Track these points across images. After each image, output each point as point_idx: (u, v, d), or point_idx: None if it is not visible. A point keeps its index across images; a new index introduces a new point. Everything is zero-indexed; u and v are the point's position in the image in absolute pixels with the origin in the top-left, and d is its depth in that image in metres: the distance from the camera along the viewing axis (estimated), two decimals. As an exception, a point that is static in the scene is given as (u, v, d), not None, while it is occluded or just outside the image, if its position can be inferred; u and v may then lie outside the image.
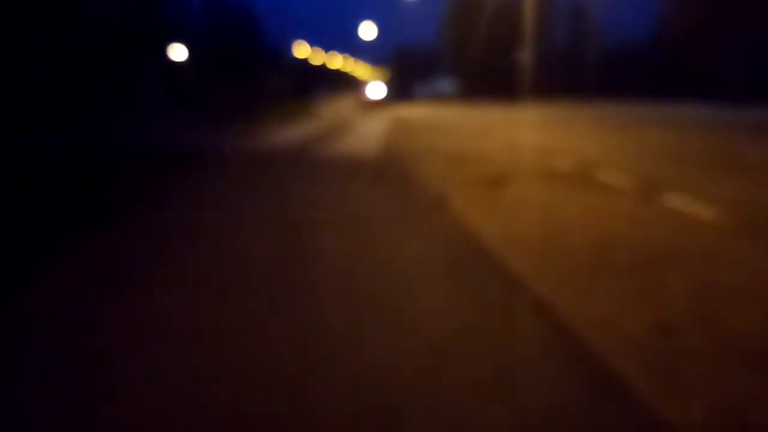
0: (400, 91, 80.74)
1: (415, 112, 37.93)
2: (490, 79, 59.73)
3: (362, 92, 63.40)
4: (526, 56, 43.96)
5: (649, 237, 5.62)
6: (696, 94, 35.58)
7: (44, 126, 23.17)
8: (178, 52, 62.08)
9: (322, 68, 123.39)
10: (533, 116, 26.40)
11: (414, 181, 9.19)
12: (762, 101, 29.05)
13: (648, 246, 5.30)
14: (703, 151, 12.63)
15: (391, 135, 18.86)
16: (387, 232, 5.94)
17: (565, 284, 4.20)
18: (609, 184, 9.01)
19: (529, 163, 11.37)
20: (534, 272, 4.47)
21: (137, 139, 18.67)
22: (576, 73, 49.75)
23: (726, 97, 30.98)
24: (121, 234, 6.16)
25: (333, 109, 53.52)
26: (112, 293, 4.18)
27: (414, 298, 3.95)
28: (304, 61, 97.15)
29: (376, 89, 62.88)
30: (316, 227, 6.17)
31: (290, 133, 21.48)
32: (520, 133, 17.68)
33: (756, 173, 9.63)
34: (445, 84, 73.61)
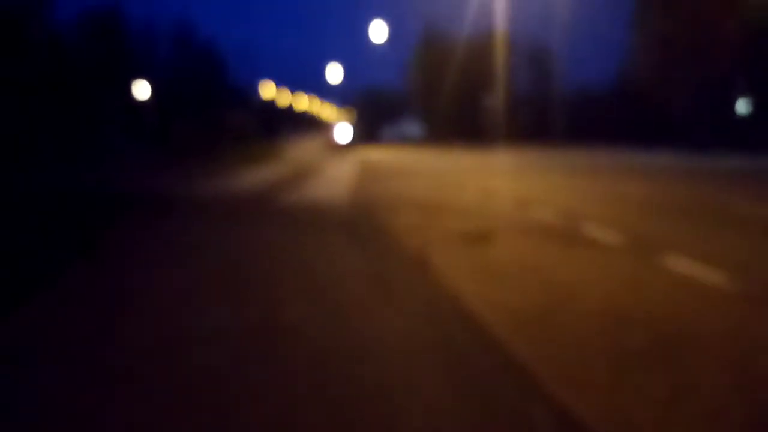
0: (367, 133, 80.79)
1: (383, 155, 37.51)
2: (457, 122, 60.13)
3: (329, 134, 63.22)
4: (494, 100, 44.25)
5: (659, 309, 4.92)
6: (661, 140, 36.09)
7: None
8: (140, 91, 60.99)
9: (289, 109, 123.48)
10: (504, 162, 26.14)
11: (388, 235, 8.42)
12: (725, 148, 29.48)
13: (662, 322, 4.59)
14: (687, 203, 12.22)
15: (361, 181, 18.16)
16: (362, 303, 5.11)
17: (583, 383, 3.42)
18: (598, 240, 8.39)
19: (509, 215, 10.75)
20: (544, 364, 3.67)
21: (88, 182, 17.57)
22: (541, 117, 50.29)
23: (692, 143, 31.41)
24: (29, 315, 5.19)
25: (299, 151, 52.80)
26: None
27: (401, 407, 3.10)
28: (271, 102, 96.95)
29: (343, 131, 62.80)
30: (278, 298, 5.31)
31: (254, 176, 20.61)
32: (494, 181, 17.18)
33: (752, 228, 9.14)
34: (412, 127, 74.02)
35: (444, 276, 6.00)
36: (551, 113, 46.67)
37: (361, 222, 9.52)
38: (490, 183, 16.38)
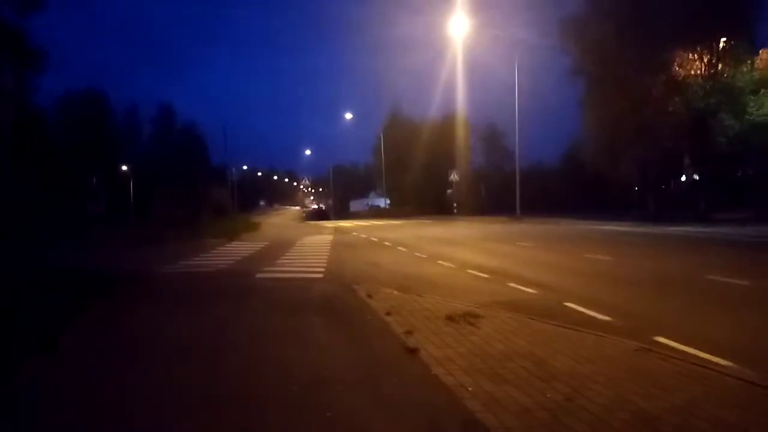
0: (338, 204, 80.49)
1: (355, 226, 36.67)
2: (421, 196, 60.16)
3: (303, 206, 62.73)
4: (456, 176, 44.31)
5: (692, 416, 4.02)
6: (610, 211, 36.16)
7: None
8: (123, 167, 59.72)
9: (264, 184, 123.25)
10: (471, 233, 25.47)
11: (367, 312, 7.40)
12: (672, 217, 29.52)
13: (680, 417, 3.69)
14: (663, 276, 11.49)
15: (334, 253, 17.15)
16: (349, 409, 4.06)
17: None
18: (588, 317, 7.54)
19: (490, 290, 9.83)
20: None
21: (63, 258, 16.17)
22: (498, 191, 50.52)
23: (640, 213, 31.47)
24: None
25: (276, 222, 51.86)
26: None
27: None
28: (248, 176, 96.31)
29: (315, 204, 62.37)
30: (252, 415, 4.23)
31: (230, 250, 19.45)
32: (465, 253, 16.35)
33: (748, 304, 8.39)
34: (379, 200, 73.90)
35: (438, 368, 5.00)
36: (507, 187, 46.89)
37: (339, 298, 8.47)
38: (463, 256, 15.55)
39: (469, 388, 4.57)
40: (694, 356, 5.54)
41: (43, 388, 4.69)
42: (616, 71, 30.44)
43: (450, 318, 7.07)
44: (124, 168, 60.98)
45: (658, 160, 32.20)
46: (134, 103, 72.45)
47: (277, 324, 6.80)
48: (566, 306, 8.36)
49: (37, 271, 10.30)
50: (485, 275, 11.52)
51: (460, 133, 53.06)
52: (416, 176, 59.20)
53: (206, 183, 63.09)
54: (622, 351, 5.75)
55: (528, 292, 9.51)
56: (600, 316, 7.59)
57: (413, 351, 5.64)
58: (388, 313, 7.32)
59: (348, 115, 63.58)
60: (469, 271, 12.21)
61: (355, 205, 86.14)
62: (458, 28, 31.92)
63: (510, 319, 7.21)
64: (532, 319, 7.26)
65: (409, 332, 6.35)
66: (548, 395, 4.43)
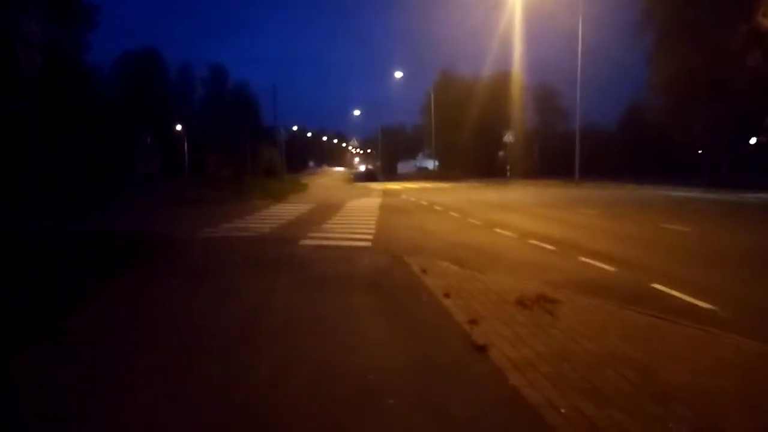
0: (385, 166, 79.33)
1: (403, 188, 35.50)
2: (471, 158, 58.20)
3: (352, 166, 61.96)
4: (511, 137, 42.18)
5: None
6: (677, 175, 33.60)
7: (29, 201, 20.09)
8: (176, 127, 60.01)
9: (313, 144, 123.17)
10: (527, 198, 23.94)
11: (422, 292, 6.31)
12: (750, 183, 26.93)
13: None
14: (761, 252, 9.93)
15: (383, 218, 16.09)
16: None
17: None
18: (685, 304, 6.24)
19: (560, 266, 8.56)
20: None
21: (100, 220, 15.67)
22: (554, 153, 48.05)
23: (711, 178, 28.95)
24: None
25: (323, 183, 51.16)
26: None
27: None
28: (297, 136, 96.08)
29: (365, 164, 61.45)
30: (272, 414, 3.24)
31: (276, 212, 18.69)
32: (523, 220, 15.00)
33: None
34: (428, 161, 72.31)
35: (519, 378, 3.89)
36: (562, 149, 44.46)
37: (390, 275, 7.41)
38: (519, 222, 14.23)
39: (562, 410, 3.44)
40: None
41: (35, 384, 3.84)
42: (689, 22, 27.67)
43: (521, 302, 5.91)
44: (178, 128, 61.24)
45: (733, 120, 29.35)
46: (187, 63, 72.39)
47: (317, 308, 5.78)
48: (654, 288, 7.06)
49: (62, 236, 9.57)
50: (551, 247, 10.24)
51: (515, 91, 50.48)
52: (467, 137, 57.13)
53: (257, 143, 62.85)
54: (747, 356, 4.50)
55: (605, 269, 8.21)
56: (700, 303, 6.28)
57: (482, 349, 4.53)
58: (446, 295, 6.21)
59: (398, 74, 61.62)
60: (532, 241, 10.94)
61: (402, 167, 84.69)
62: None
63: (593, 306, 5.99)
64: (620, 306, 6.03)
65: (473, 321, 5.23)
66: (670, 425, 3.27)
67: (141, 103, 55.13)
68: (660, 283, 7.18)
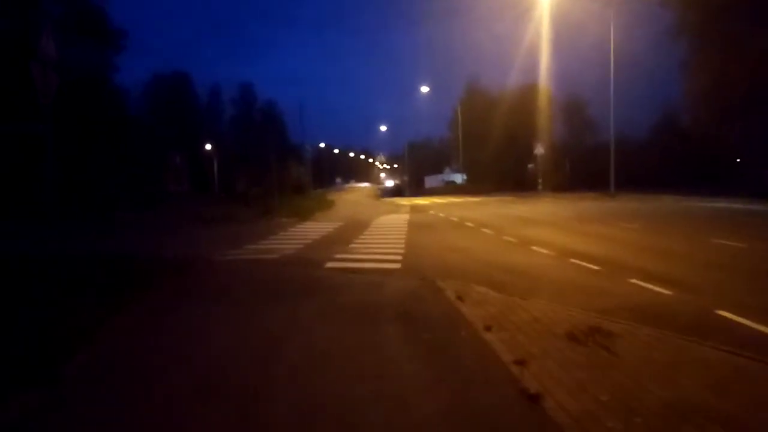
0: (412, 181, 78.67)
1: (431, 204, 34.77)
2: (500, 170, 57.17)
3: (378, 182, 61.41)
4: (542, 149, 41.13)
5: None
6: (716, 186, 32.07)
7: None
8: (206, 146, 60.59)
9: (340, 161, 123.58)
10: (561, 212, 22.96)
11: (461, 325, 5.62)
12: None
13: None
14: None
15: (412, 235, 15.42)
16: None
17: None
18: (763, 337, 5.43)
19: (608, 290, 7.76)
20: None
21: (121, 240, 15.34)
22: (581, 164, 46.75)
23: (756, 189, 27.43)
24: None
25: (350, 199, 50.73)
26: None
27: None
28: (324, 153, 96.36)
29: (391, 180, 60.81)
30: None
31: (301, 231, 18.21)
32: (561, 237, 14.15)
33: None
34: (456, 175, 71.37)
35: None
36: (593, 161, 43.17)
37: (423, 304, 6.74)
38: (556, 239, 13.41)
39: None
40: None
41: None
42: (726, 28, 26.52)
43: (573, 336, 5.19)
44: (208, 147, 61.78)
45: None
46: (217, 84, 73.31)
47: (342, 344, 5.14)
48: (720, 315, 6.25)
49: (76, 259, 9.12)
50: (595, 267, 9.43)
51: (543, 102, 49.45)
52: (494, 150, 56.14)
53: (285, 161, 62.97)
54: None
55: (660, 293, 7.40)
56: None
57: (535, 398, 3.83)
58: (487, 328, 5.51)
59: (424, 89, 61.08)
60: (573, 260, 10.14)
61: (430, 181, 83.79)
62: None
63: (656, 340, 5.23)
64: (687, 339, 5.25)
65: (521, 362, 4.53)
66: None
67: (172, 124, 55.82)
68: (726, 310, 6.36)
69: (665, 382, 4.13)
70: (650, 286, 7.78)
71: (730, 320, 6.09)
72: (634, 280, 8.18)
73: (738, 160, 33.92)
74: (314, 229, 18.63)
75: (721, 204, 22.83)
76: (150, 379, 4.40)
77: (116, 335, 5.45)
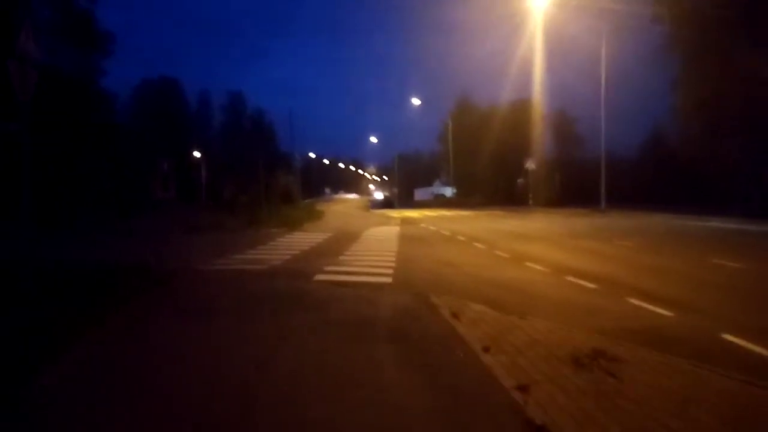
0: (402, 193, 78.55)
1: (422, 216, 34.50)
2: (490, 184, 57.21)
3: (368, 193, 61.18)
4: (533, 164, 41.10)
5: None
6: (706, 204, 32.12)
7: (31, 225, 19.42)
8: (194, 154, 60.01)
9: (330, 171, 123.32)
10: (553, 227, 22.79)
11: (457, 345, 5.31)
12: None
13: None
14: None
15: (403, 249, 15.12)
16: None
17: None
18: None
19: (608, 309, 7.48)
20: None
21: (103, 248, 14.87)
22: (571, 180, 46.80)
23: (746, 208, 27.47)
24: None
25: (340, 210, 50.35)
26: None
27: None
28: (314, 163, 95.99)
29: (381, 191, 60.60)
30: None
31: (290, 241, 17.85)
32: (554, 253, 13.94)
33: None
34: (445, 189, 71.40)
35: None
36: (583, 177, 43.22)
37: (417, 322, 6.43)
38: (550, 255, 13.18)
39: None
40: None
41: None
42: (717, 45, 26.63)
43: (576, 360, 4.91)
44: (196, 154, 61.21)
45: (766, 146, 27.95)
46: (206, 90, 72.93)
47: (330, 366, 4.81)
48: (725, 339, 6.00)
49: (54, 267, 8.69)
50: (591, 285, 9.18)
51: (535, 118, 49.57)
52: (485, 164, 56.18)
53: (273, 170, 62.54)
54: None
55: (661, 315, 7.15)
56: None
57: (541, 431, 3.54)
58: (485, 349, 5.21)
59: (415, 101, 61.03)
60: (569, 278, 9.88)
61: (419, 194, 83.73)
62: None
63: (663, 366, 4.95)
64: (696, 365, 4.98)
65: (524, 388, 4.23)
66: None
67: (160, 130, 55.25)
68: (731, 333, 6.11)
69: (678, 414, 3.86)
70: (650, 306, 7.52)
71: (736, 344, 5.84)
72: (632, 300, 7.93)
73: (729, 179, 33.96)
74: (303, 239, 18.27)
75: (713, 223, 22.76)
76: (121, 396, 4.04)
77: (85, 354, 5.06)
